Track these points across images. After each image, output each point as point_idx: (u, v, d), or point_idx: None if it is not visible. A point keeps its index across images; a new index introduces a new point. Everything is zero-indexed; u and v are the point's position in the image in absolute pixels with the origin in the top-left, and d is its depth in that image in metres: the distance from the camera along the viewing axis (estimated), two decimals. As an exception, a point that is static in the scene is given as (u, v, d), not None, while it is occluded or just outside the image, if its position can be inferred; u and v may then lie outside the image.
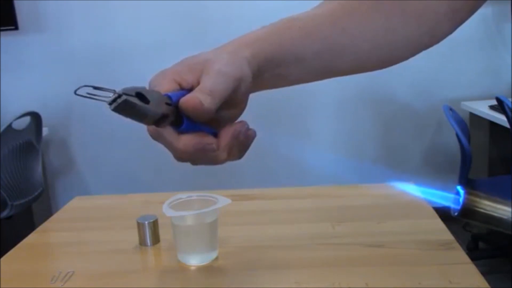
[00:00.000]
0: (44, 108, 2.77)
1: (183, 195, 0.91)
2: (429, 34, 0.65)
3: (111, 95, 0.42)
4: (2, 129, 2.16)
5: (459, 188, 0.52)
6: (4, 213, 2.28)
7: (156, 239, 0.96)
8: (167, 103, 0.45)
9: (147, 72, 2.35)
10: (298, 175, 2.93)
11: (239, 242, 0.96)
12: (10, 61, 2.91)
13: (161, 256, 0.94)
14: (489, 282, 0.77)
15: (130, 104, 0.42)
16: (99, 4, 2.85)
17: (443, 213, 1.10)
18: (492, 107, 2.58)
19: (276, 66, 0.56)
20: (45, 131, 2.70)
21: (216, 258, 0.89)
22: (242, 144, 0.52)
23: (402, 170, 2.99)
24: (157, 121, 0.45)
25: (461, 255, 0.86)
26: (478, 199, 0.51)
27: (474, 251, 2.67)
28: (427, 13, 0.63)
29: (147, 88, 0.48)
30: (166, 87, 0.49)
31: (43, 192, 2.54)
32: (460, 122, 2.53)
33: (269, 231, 1.00)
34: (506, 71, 2.89)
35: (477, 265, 0.82)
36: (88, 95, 0.44)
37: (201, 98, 0.47)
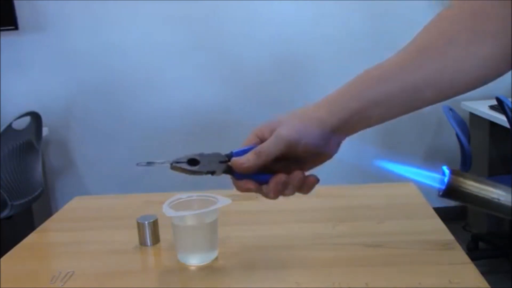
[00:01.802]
0: (44, 108, 2.77)
1: (183, 195, 0.91)
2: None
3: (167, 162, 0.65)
4: (2, 129, 2.16)
5: (444, 168, 0.52)
6: (4, 213, 2.28)
7: (156, 239, 0.96)
8: (222, 161, 0.65)
9: (147, 72, 2.37)
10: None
11: (239, 242, 0.96)
12: (10, 61, 2.91)
13: (161, 256, 0.94)
14: (489, 282, 0.77)
15: (178, 168, 0.65)
16: (99, 4, 2.85)
17: (443, 213, 1.10)
18: (492, 107, 2.58)
19: (357, 114, 0.65)
20: (45, 131, 2.70)
21: (216, 258, 0.89)
22: (298, 188, 0.67)
23: (402, 170, 2.99)
24: (207, 174, 0.65)
25: (461, 255, 0.86)
26: (463, 179, 0.51)
27: (474, 251, 2.67)
28: (505, 30, 0.63)
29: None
30: (248, 141, 0.66)
31: (43, 192, 2.54)
32: (460, 122, 2.53)
33: (269, 231, 1.00)
34: (506, 71, 2.89)
35: (477, 265, 0.82)
36: (147, 165, 0.67)
37: (246, 159, 0.64)
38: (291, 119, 0.65)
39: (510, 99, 2.26)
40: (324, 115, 0.64)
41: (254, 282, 0.82)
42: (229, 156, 0.65)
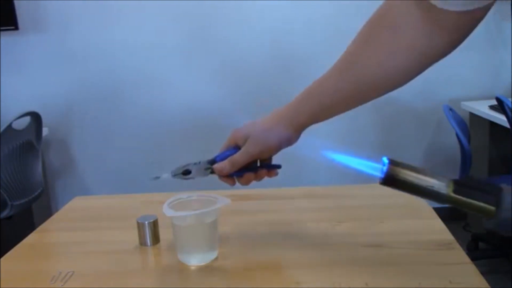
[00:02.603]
0: (44, 108, 2.77)
1: (183, 195, 0.91)
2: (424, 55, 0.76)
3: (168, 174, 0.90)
4: (2, 129, 2.16)
5: (384, 158, 0.56)
6: (4, 213, 2.28)
7: (156, 239, 0.96)
8: (207, 168, 0.89)
9: (147, 72, 2.37)
10: (297, 175, 2.93)
11: (239, 242, 0.96)
12: (10, 61, 2.91)
13: (161, 256, 0.94)
14: (489, 282, 0.77)
15: (176, 178, 0.90)
16: (99, 4, 2.85)
17: (443, 213, 1.10)
18: (492, 107, 2.58)
19: (308, 121, 0.85)
20: (45, 131, 2.70)
21: (216, 258, 0.89)
22: (264, 177, 0.89)
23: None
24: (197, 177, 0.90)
25: (461, 255, 0.86)
26: (400, 169, 0.56)
27: (474, 251, 2.67)
28: (418, 44, 0.74)
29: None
30: (227, 145, 0.90)
31: (43, 192, 2.54)
32: (460, 122, 2.53)
33: (269, 231, 1.00)
34: (506, 71, 2.89)
35: (477, 265, 0.82)
36: (155, 179, 0.90)
37: (224, 166, 0.87)
38: (257, 135, 0.86)
39: (510, 99, 2.26)
40: (282, 128, 0.85)
41: (254, 282, 0.82)
42: (212, 161, 0.89)
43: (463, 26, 0.72)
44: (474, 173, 2.53)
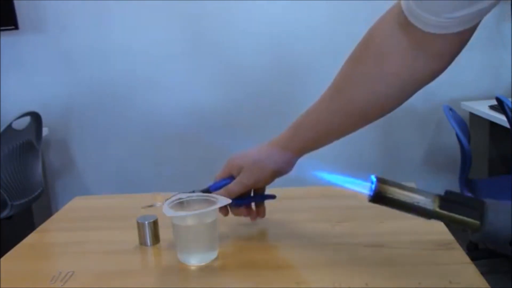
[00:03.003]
0: (44, 108, 2.77)
1: (183, 195, 0.91)
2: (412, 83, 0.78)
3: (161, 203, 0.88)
4: (2, 129, 2.16)
5: (372, 177, 0.59)
6: (4, 213, 2.28)
7: (156, 239, 0.96)
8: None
9: (147, 72, 2.37)
10: (296, 175, 2.93)
11: (239, 242, 0.96)
12: (10, 61, 2.91)
13: (161, 256, 0.94)
14: (489, 282, 0.77)
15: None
16: (99, 4, 2.85)
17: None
18: (492, 107, 2.58)
19: (303, 151, 0.88)
20: (45, 131, 2.70)
21: (216, 258, 0.89)
22: (254, 216, 0.97)
23: (402, 170, 3.00)
24: None
25: (461, 255, 0.86)
26: (387, 186, 0.59)
27: (474, 251, 2.66)
28: (404, 69, 0.75)
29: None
30: (221, 174, 0.93)
31: (43, 192, 2.54)
32: (460, 122, 2.53)
33: (269, 231, 1.00)
34: (506, 71, 2.89)
35: (477, 265, 0.82)
36: (149, 207, 0.96)
37: (221, 195, 0.88)
38: (251, 165, 0.88)
39: (510, 99, 2.26)
40: (276, 154, 0.87)
41: (254, 282, 0.82)
42: (206, 191, 0.91)
43: (450, 48, 0.72)
44: (474, 173, 2.53)
